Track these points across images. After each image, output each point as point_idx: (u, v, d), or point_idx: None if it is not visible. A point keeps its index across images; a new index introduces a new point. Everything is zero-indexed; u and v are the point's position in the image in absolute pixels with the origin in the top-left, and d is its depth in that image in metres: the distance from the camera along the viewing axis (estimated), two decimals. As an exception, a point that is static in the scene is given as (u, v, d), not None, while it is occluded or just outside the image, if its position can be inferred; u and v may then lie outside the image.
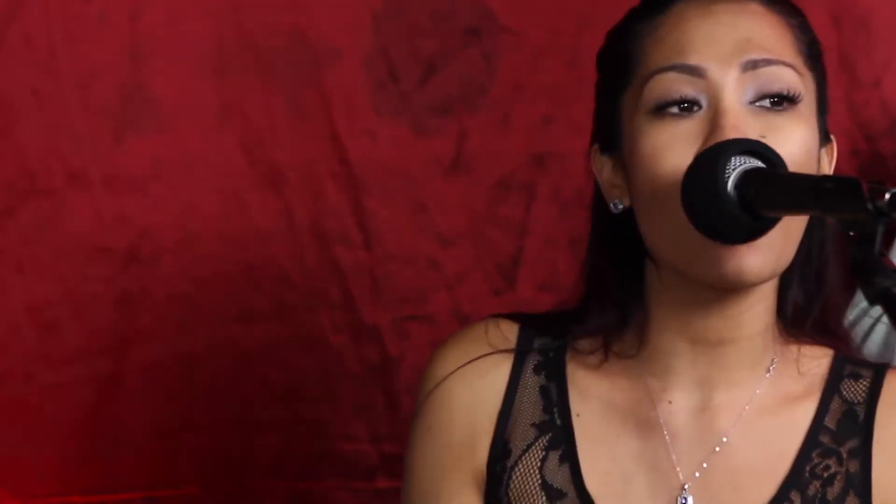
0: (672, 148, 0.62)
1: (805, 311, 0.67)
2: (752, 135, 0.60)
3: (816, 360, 0.66)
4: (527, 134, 1.46)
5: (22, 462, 1.33)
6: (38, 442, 1.38)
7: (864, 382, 0.65)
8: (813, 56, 0.68)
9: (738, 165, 0.58)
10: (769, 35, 0.64)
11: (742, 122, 0.61)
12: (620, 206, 0.66)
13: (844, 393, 0.65)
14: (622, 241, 0.67)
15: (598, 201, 0.70)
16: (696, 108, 0.62)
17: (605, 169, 0.68)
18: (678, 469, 0.63)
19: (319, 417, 1.37)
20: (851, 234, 0.47)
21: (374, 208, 1.51)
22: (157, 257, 1.38)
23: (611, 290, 0.66)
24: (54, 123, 1.38)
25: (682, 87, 0.62)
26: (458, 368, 0.66)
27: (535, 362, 0.67)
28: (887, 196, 0.46)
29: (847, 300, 0.71)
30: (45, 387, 1.50)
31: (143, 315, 1.36)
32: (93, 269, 1.36)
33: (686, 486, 0.62)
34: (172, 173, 1.43)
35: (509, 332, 0.69)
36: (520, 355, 0.67)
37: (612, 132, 0.67)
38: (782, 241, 0.61)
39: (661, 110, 0.63)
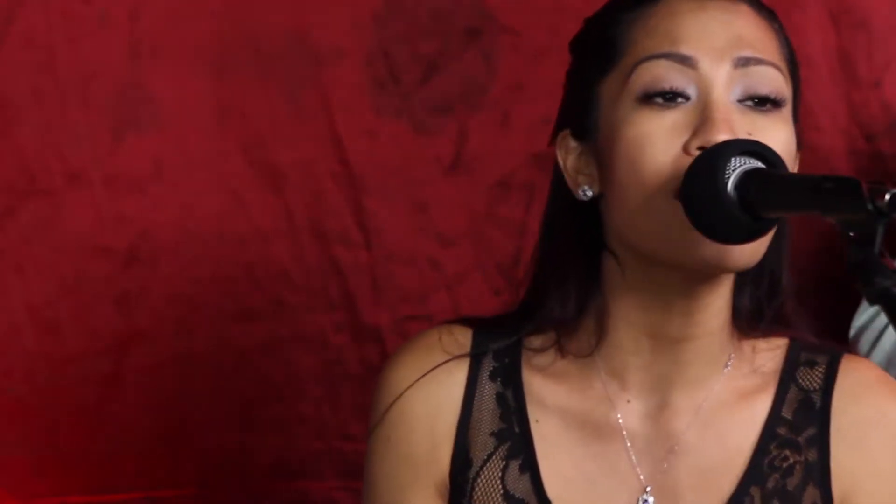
0: (659, 137, 0.61)
1: (759, 311, 0.66)
2: (741, 132, 0.61)
3: (771, 353, 0.66)
4: (527, 134, 1.46)
5: (22, 462, 1.33)
6: (38, 442, 1.38)
7: (820, 369, 0.65)
8: (792, 65, 0.68)
9: (739, 166, 0.58)
10: (760, 36, 0.64)
11: (731, 117, 0.61)
12: (589, 194, 0.65)
13: (800, 381, 0.65)
14: (580, 232, 0.66)
15: (559, 189, 0.69)
16: (683, 99, 0.62)
17: (571, 156, 0.67)
18: (638, 471, 0.63)
19: (319, 417, 1.37)
20: (851, 234, 0.47)
21: (374, 208, 1.51)
22: (157, 257, 1.38)
23: (567, 282, 0.65)
24: (54, 123, 1.38)
25: (673, 75, 0.62)
26: (415, 379, 0.65)
27: (491, 368, 0.67)
28: (887, 196, 0.46)
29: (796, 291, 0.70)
30: (45, 387, 1.50)
31: (143, 315, 1.36)
32: (93, 269, 1.36)
33: (647, 489, 0.62)
34: (172, 173, 1.42)
35: (463, 338, 0.68)
36: (475, 361, 0.67)
37: (587, 119, 0.66)
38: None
39: (648, 99, 0.62)
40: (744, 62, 0.62)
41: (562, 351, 0.66)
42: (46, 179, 1.39)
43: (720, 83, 0.61)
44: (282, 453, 1.35)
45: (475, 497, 0.64)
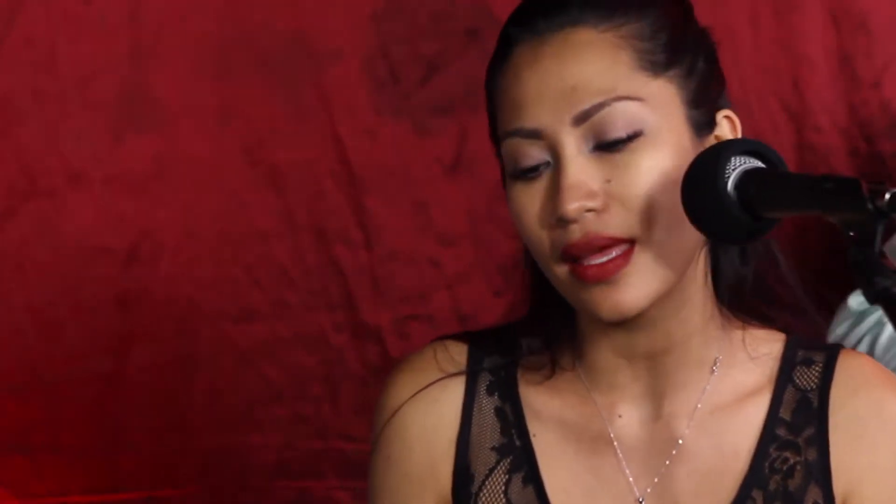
0: (532, 210, 0.62)
1: (739, 291, 0.66)
2: (595, 184, 0.60)
3: (767, 345, 0.66)
4: (527, 134, 1.46)
5: (22, 462, 1.33)
6: (38, 442, 1.38)
7: (817, 368, 0.65)
8: (671, 51, 0.63)
9: (738, 165, 0.58)
10: (597, 70, 0.61)
11: (582, 177, 0.60)
12: None
13: (797, 381, 0.64)
14: None
15: None
16: (544, 167, 0.62)
17: None
18: (632, 483, 0.63)
19: (319, 417, 1.37)
20: (851, 234, 0.47)
21: (375, 208, 1.51)
22: (157, 257, 1.38)
23: (551, 299, 0.65)
24: (54, 123, 1.38)
25: (527, 151, 0.62)
26: (411, 398, 0.65)
27: (488, 382, 0.66)
28: (887, 196, 0.46)
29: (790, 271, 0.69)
30: (46, 387, 1.50)
31: (144, 315, 1.36)
32: (93, 269, 1.36)
33: (641, 501, 0.62)
34: (172, 173, 1.43)
35: (458, 354, 0.68)
36: (472, 377, 0.67)
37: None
38: (654, 265, 0.60)
39: (516, 176, 0.63)
40: (584, 116, 0.60)
41: (555, 365, 0.66)
42: (47, 180, 1.39)
43: (567, 145, 0.60)
44: (282, 453, 1.35)
45: None
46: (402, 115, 1.62)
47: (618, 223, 0.60)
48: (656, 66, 0.63)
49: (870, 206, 0.46)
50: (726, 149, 0.60)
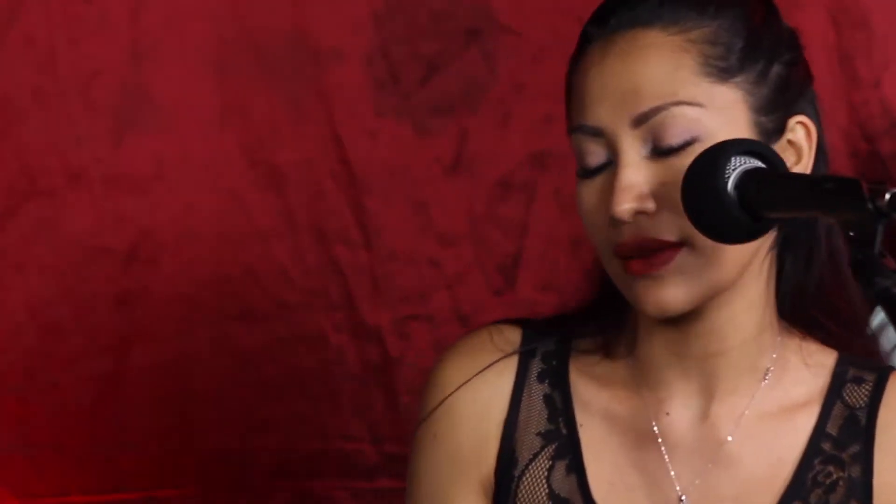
0: (595, 207, 0.63)
1: (800, 300, 0.66)
2: (648, 188, 0.60)
3: (820, 359, 0.66)
4: (527, 134, 1.46)
5: (22, 462, 1.33)
6: (38, 442, 1.38)
7: (867, 387, 0.65)
8: (743, 56, 0.64)
9: (739, 165, 0.58)
10: (659, 73, 0.62)
11: (636, 179, 0.60)
12: None
13: (847, 397, 0.65)
14: None
15: None
16: (606, 165, 0.62)
17: None
18: (675, 481, 0.63)
19: (319, 417, 1.37)
20: (851, 234, 0.47)
21: (375, 208, 1.51)
22: (157, 257, 1.38)
23: (610, 295, 0.66)
24: (54, 123, 1.38)
25: (589, 148, 0.63)
26: (466, 379, 0.66)
27: (539, 370, 0.67)
28: (887, 196, 0.46)
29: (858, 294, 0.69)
30: (46, 387, 1.50)
31: (144, 315, 1.36)
32: (93, 269, 1.36)
33: (683, 498, 0.62)
34: (172, 173, 1.42)
35: (513, 338, 0.69)
36: (524, 362, 0.67)
37: None
38: (700, 267, 0.60)
39: (582, 172, 0.65)
40: (643, 118, 0.61)
41: (608, 356, 0.67)
42: (47, 179, 1.39)
43: (624, 147, 0.61)
44: (282, 453, 1.35)
45: (520, 496, 0.65)
46: (403, 115, 1.62)
47: (668, 227, 0.60)
48: (724, 71, 0.64)
49: (870, 206, 0.46)
50: (726, 149, 0.60)
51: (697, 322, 0.62)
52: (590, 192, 0.64)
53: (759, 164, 0.59)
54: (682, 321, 0.61)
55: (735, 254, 0.61)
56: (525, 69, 1.53)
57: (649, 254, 0.60)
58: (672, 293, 0.59)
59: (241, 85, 1.44)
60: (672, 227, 0.60)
